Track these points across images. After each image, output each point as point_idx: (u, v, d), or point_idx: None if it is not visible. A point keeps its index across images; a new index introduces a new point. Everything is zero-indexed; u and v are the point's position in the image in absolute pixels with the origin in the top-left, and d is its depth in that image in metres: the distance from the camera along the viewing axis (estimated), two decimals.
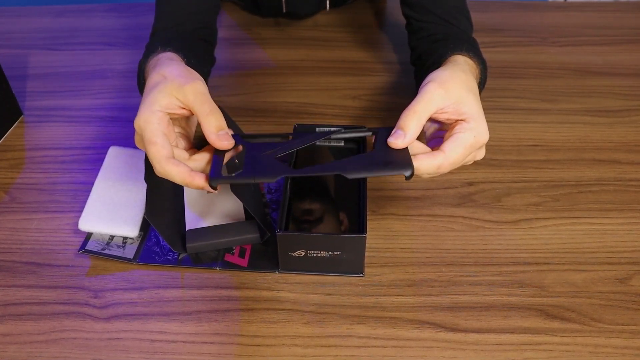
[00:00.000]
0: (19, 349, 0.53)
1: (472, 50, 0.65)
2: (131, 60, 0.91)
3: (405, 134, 0.51)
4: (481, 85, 0.65)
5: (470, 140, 0.52)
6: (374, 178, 0.68)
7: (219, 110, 0.52)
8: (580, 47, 0.93)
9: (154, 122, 0.50)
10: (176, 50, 0.63)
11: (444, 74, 0.55)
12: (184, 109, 0.52)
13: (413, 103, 0.52)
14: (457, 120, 0.53)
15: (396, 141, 0.51)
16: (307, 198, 0.61)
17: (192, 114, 0.53)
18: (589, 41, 0.95)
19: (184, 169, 0.50)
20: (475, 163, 0.70)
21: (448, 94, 0.52)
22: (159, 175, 0.51)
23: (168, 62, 0.57)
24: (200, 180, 0.50)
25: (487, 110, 0.78)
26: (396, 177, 0.69)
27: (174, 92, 0.51)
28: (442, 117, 0.53)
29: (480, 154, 0.56)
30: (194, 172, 0.50)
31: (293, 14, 0.99)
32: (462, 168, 0.70)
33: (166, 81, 0.52)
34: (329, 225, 0.59)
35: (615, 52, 0.92)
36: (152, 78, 0.55)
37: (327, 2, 0.99)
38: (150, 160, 0.51)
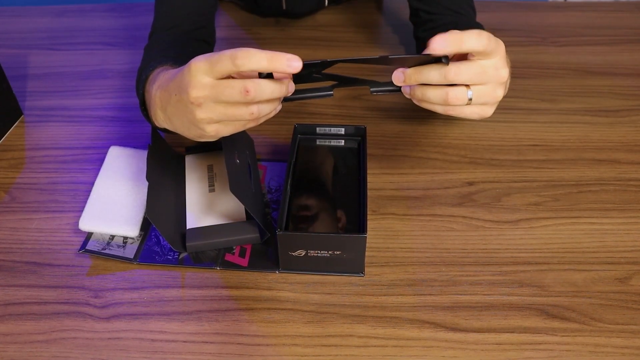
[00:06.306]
0: (19, 349, 0.53)
1: None
2: (131, 60, 0.91)
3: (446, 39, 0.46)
4: None
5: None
6: (376, 177, 0.68)
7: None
8: (580, 47, 0.93)
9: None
10: (175, 57, 0.62)
11: None
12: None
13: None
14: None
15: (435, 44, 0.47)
16: (307, 198, 0.61)
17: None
18: (589, 41, 0.95)
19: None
20: (475, 163, 0.71)
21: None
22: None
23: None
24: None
25: None
26: (396, 178, 0.69)
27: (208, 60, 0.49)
28: None
29: (504, 71, 0.52)
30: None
31: (292, 12, 0.99)
32: (462, 168, 0.70)
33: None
34: (329, 225, 0.59)
35: (615, 52, 0.92)
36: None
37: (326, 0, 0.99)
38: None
